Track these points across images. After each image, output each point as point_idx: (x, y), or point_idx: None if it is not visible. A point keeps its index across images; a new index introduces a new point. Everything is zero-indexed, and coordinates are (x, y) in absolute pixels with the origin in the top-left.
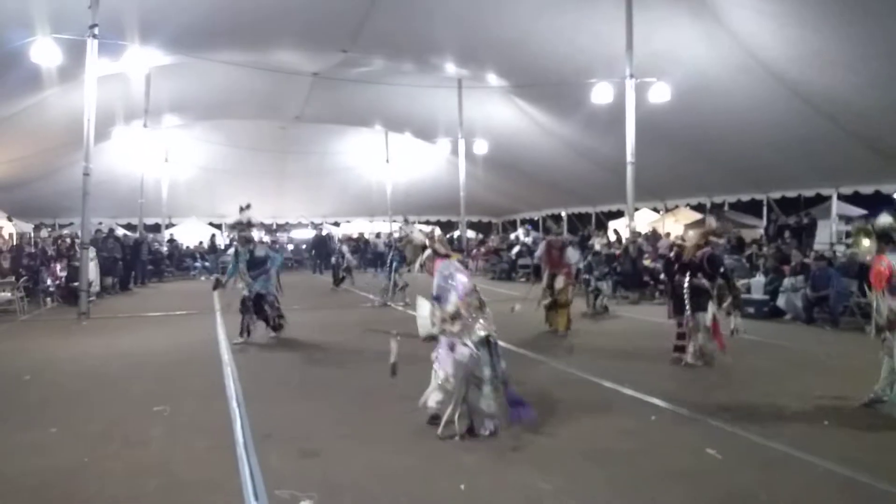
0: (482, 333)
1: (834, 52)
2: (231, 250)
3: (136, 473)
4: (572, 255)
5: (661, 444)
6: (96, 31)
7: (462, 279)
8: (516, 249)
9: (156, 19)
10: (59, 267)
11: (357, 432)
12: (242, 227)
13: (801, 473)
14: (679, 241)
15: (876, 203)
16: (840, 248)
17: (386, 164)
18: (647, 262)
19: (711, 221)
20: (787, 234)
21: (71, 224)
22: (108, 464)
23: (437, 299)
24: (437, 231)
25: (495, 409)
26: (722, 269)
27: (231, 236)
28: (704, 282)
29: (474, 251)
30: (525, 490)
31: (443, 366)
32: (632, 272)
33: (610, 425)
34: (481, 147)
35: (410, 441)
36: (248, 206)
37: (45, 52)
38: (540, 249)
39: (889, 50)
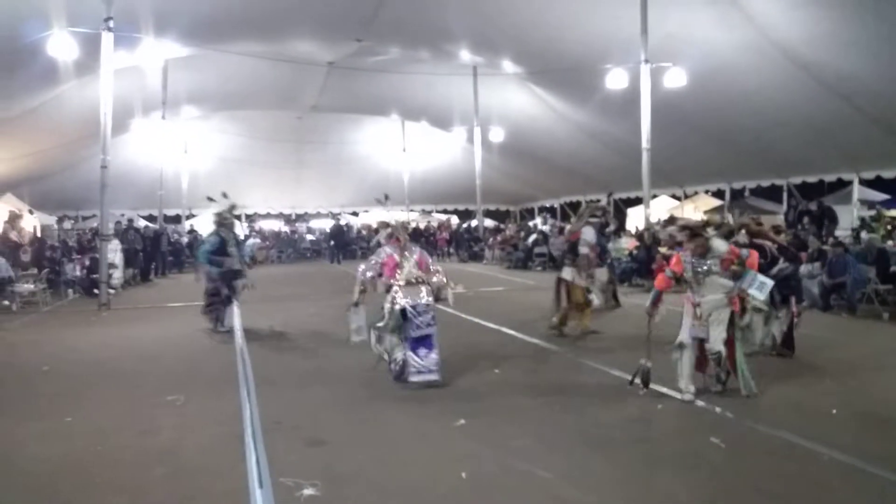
0: (392, 306)
1: (848, 33)
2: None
3: (145, 461)
4: (588, 233)
5: (665, 432)
6: (111, 24)
7: (378, 261)
8: (532, 238)
9: (170, 11)
10: (86, 259)
11: (363, 421)
12: (229, 212)
13: (804, 462)
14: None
15: None
16: (863, 235)
17: (402, 153)
18: (662, 250)
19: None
20: (805, 220)
21: (93, 216)
22: (119, 452)
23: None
24: (394, 220)
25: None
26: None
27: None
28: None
29: (490, 240)
30: (526, 477)
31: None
32: (646, 260)
33: (615, 413)
34: (497, 135)
35: (414, 430)
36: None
37: (61, 45)
38: (592, 234)
39: None
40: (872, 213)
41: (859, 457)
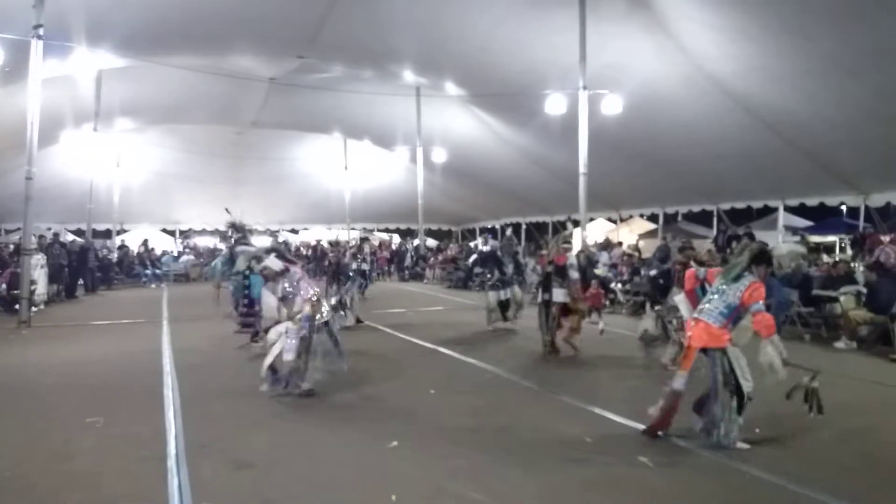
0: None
1: (777, 67)
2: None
3: (60, 487)
4: (573, 258)
5: (597, 452)
6: (41, 31)
7: (305, 286)
8: (473, 258)
9: (105, 21)
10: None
11: (293, 443)
12: (242, 232)
13: (729, 480)
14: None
15: (821, 215)
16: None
17: (344, 172)
18: (598, 272)
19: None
20: (734, 244)
21: (18, 229)
22: (32, 477)
23: (283, 299)
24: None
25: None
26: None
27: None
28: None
29: (431, 259)
30: (459, 500)
31: (290, 348)
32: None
33: (549, 434)
34: (440, 155)
35: (345, 451)
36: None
37: None
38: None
39: (826, 68)
40: (797, 239)
41: (778, 474)
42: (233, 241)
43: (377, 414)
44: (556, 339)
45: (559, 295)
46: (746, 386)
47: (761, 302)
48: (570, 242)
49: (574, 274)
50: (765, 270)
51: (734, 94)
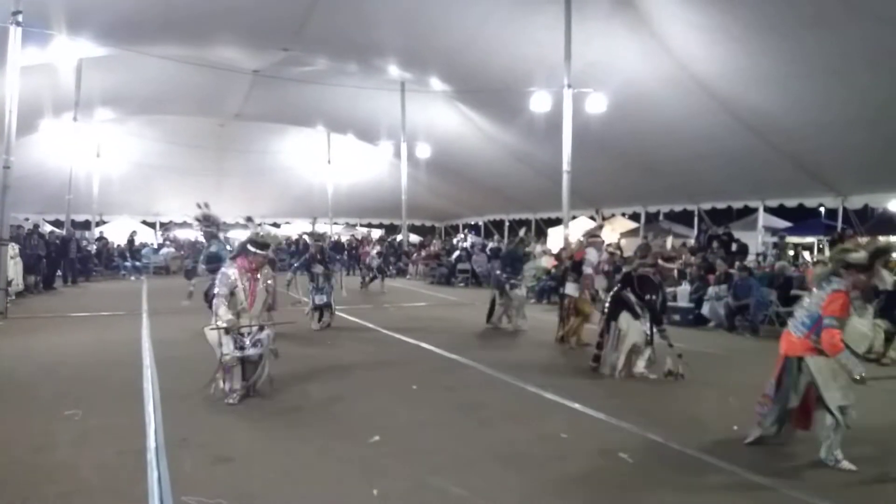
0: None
1: (759, 69)
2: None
3: (37, 480)
4: (592, 254)
5: (577, 447)
6: (20, 18)
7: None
8: (456, 254)
9: (86, 8)
10: None
11: (273, 437)
12: (208, 223)
13: (709, 477)
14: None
15: (800, 216)
16: (769, 259)
17: (328, 166)
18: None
19: (665, 243)
20: (715, 244)
21: None
22: (8, 470)
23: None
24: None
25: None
26: (649, 297)
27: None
28: (631, 297)
29: (414, 255)
30: (440, 494)
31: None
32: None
33: (530, 430)
34: (424, 151)
35: (325, 445)
36: (206, 205)
37: None
38: (595, 255)
39: (809, 70)
40: (776, 239)
41: (756, 471)
42: (203, 233)
43: (358, 409)
44: (567, 331)
45: (571, 289)
46: (830, 399)
47: (834, 317)
48: (598, 236)
49: (587, 270)
50: (860, 277)
51: (717, 95)
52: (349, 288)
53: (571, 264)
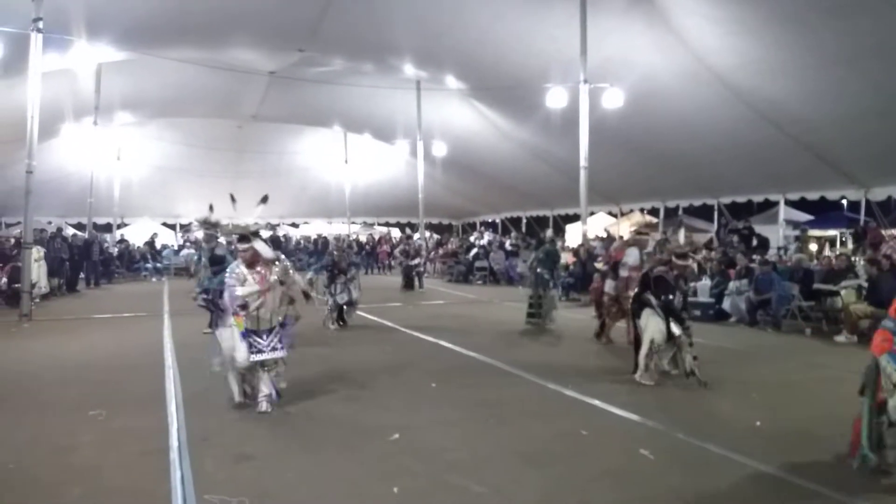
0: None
1: (776, 60)
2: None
3: (62, 480)
4: (632, 255)
5: (598, 445)
6: (41, 24)
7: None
8: (473, 252)
9: (104, 14)
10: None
11: (293, 435)
12: (208, 226)
13: (729, 473)
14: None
15: (821, 209)
16: (790, 252)
17: (344, 165)
18: (598, 265)
19: (678, 238)
20: (735, 238)
21: (18, 223)
22: (34, 470)
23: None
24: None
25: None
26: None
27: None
28: (651, 298)
29: (431, 253)
30: (460, 492)
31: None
32: (581, 275)
33: (550, 427)
34: (440, 149)
35: (345, 444)
36: (211, 208)
37: None
38: (636, 256)
39: (827, 61)
40: (797, 233)
41: (780, 467)
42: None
43: (377, 406)
44: (606, 328)
45: (609, 287)
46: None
47: (892, 319)
48: (645, 233)
49: (623, 273)
50: None
51: (735, 88)
52: (369, 287)
53: (611, 264)
